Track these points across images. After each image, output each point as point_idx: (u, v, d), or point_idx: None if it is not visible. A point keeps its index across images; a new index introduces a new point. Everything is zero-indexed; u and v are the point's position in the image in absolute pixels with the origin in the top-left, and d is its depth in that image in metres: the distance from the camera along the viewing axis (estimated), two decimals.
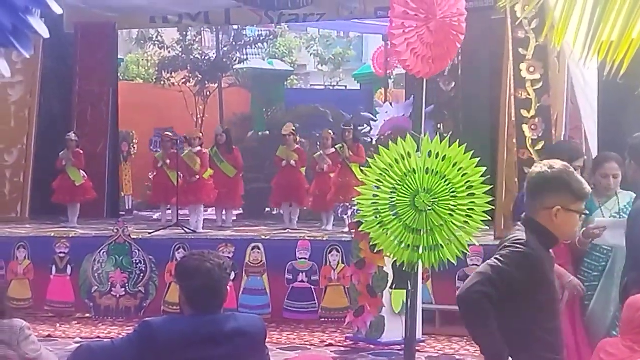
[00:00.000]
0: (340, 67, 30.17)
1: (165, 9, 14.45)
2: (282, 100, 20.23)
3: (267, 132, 13.77)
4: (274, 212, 14.27)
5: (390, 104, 16.19)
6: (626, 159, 5.35)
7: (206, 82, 19.67)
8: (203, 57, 20.10)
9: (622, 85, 4.10)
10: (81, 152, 12.57)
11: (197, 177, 11.98)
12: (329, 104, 19.17)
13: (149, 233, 11.26)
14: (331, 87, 29.62)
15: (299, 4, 13.69)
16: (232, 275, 9.24)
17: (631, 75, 3.87)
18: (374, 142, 13.15)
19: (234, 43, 20.18)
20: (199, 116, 19.27)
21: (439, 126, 10.97)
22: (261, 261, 10.29)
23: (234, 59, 20.10)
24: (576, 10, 3.66)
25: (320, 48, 29.42)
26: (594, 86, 8.44)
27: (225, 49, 20.25)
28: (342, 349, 8.89)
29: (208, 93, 19.74)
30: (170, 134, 13.21)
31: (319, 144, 12.66)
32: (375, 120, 15.39)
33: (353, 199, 5.96)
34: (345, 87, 29.37)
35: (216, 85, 19.80)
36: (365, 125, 16.34)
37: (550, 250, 3.80)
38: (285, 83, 23.80)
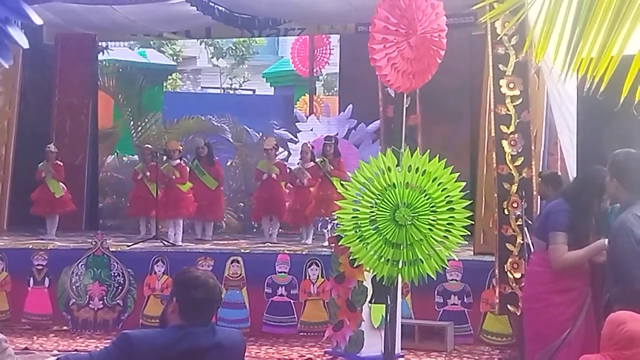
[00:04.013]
0: (245, 63, 21.83)
1: (147, 27, 14.38)
2: (159, 110, 15.35)
3: (136, 157, 9.80)
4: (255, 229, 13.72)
5: (318, 117, 13.35)
6: (606, 175, 5.36)
7: None
8: None
9: (601, 101, 4.13)
10: (61, 164, 12.48)
11: (174, 177, 11.77)
12: (228, 117, 14.38)
13: (128, 246, 11.21)
14: (231, 91, 21.89)
15: (279, 22, 13.68)
16: None
17: (610, 92, 3.90)
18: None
19: None
20: None
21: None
22: (240, 275, 10.26)
23: None
24: (556, 27, 3.69)
25: None
26: (573, 103, 8.49)
27: None
28: None
29: None
30: (150, 146, 13.16)
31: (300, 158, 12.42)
32: (295, 142, 12.22)
33: (334, 213, 5.97)
34: (253, 91, 21.95)
35: None
36: (281, 150, 11.69)
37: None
38: (165, 84, 18.37)
